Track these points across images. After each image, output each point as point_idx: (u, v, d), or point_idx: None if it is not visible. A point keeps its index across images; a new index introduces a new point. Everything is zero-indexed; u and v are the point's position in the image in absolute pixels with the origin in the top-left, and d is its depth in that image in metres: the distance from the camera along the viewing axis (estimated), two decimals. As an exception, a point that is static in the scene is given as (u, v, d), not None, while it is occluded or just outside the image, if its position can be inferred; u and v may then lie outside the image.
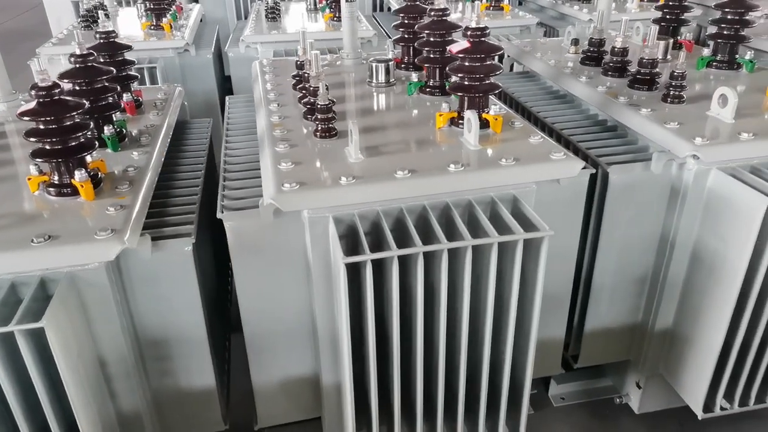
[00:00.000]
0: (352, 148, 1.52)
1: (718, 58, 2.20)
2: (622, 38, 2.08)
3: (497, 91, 1.66)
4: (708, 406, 1.80)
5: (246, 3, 4.88)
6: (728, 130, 1.66)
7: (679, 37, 2.45)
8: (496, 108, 1.63)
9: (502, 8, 3.75)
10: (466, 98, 1.66)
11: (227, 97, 2.44)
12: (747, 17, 2.12)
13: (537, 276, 1.43)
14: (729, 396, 1.81)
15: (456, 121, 1.69)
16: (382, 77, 2.06)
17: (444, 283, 1.39)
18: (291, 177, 1.43)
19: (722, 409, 1.81)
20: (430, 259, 1.39)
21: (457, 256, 1.39)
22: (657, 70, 1.97)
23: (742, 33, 2.15)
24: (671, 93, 1.85)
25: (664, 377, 1.96)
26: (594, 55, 2.26)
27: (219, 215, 1.49)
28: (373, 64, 2.05)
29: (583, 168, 1.59)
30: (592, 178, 1.76)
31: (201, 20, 4.11)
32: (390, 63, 2.04)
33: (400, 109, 1.91)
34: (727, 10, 2.13)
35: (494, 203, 1.50)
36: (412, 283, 1.39)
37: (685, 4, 2.40)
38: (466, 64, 1.61)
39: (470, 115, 1.53)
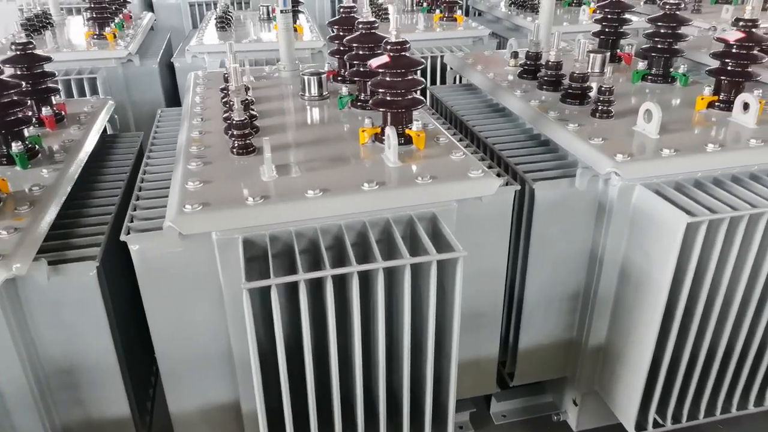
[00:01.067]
0: (265, 166, 1.47)
1: (652, 71, 2.20)
2: (555, 51, 2.07)
3: (420, 107, 1.62)
4: (640, 423, 1.78)
5: (202, 11, 4.81)
6: (652, 146, 1.65)
7: (618, 50, 2.45)
8: (418, 123, 1.59)
9: (455, 19, 3.74)
10: (388, 114, 1.62)
11: (159, 110, 2.37)
12: (679, 31, 2.13)
13: (454, 296, 1.39)
14: (661, 413, 1.79)
15: (379, 136, 1.65)
16: (314, 90, 2.01)
17: (356, 305, 1.34)
18: (195, 197, 1.38)
19: (656, 426, 1.79)
20: (346, 281, 1.34)
21: (371, 278, 1.35)
22: (588, 84, 1.96)
23: (676, 47, 2.15)
24: (599, 108, 1.84)
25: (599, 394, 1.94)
26: (531, 69, 2.25)
27: (123, 237, 1.42)
28: (306, 77, 2.00)
29: (506, 185, 1.57)
30: (521, 195, 1.74)
31: (152, 29, 4.03)
32: (323, 76, 1.99)
33: (329, 124, 1.87)
34: (659, 24, 2.14)
35: (413, 222, 1.46)
36: (325, 306, 1.34)
37: (624, 17, 2.41)
38: (387, 79, 1.57)
39: (389, 132, 1.50)
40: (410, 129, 1.59)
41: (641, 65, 2.21)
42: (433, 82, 3.32)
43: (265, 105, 2.02)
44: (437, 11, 3.86)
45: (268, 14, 4.04)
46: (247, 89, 1.84)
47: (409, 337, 1.42)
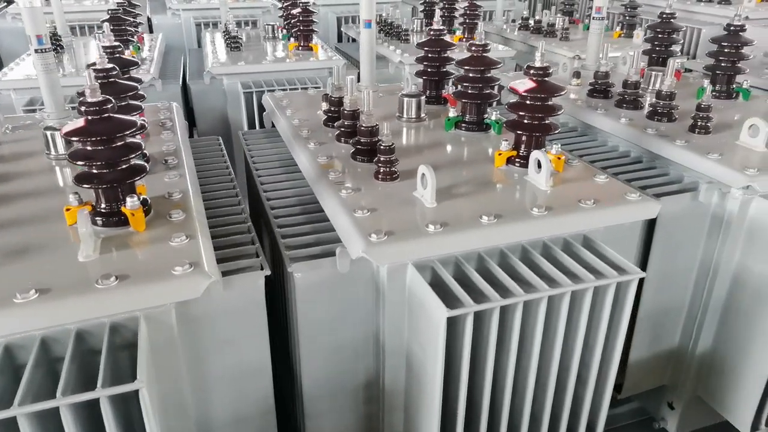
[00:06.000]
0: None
1: (466, 118, 1.93)
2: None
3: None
4: (755, 424, 1.85)
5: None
6: (423, 221, 1.71)
7: (444, 91, 2.04)
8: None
9: (310, 48, 3.49)
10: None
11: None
12: (489, 75, 1.90)
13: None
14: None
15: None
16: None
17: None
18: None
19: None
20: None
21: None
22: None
23: (487, 91, 1.90)
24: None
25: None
26: (333, 116, 1.97)
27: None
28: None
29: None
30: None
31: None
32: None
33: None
34: (467, 68, 1.89)
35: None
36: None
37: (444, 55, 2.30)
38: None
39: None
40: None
41: (452, 112, 1.96)
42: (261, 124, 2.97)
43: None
44: (291, 39, 3.61)
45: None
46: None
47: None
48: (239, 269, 1.35)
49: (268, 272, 1.35)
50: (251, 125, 3.14)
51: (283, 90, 3.08)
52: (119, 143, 1.26)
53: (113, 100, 1.25)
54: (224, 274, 1.31)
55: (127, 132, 1.26)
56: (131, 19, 3.38)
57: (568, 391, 1.48)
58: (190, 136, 3.37)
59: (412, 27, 3.97)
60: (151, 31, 4.59)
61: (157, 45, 3.64)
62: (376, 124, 1.67)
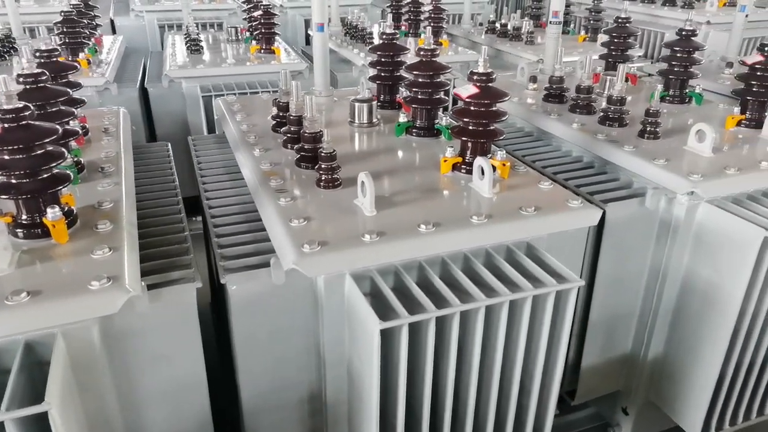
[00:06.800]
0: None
1: (417, 123, 1.90)
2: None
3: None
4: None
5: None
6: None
7: (397, 95, 2.18)
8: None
9: (273, 51, 3.48)
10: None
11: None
12: (438, 80, 1.88)
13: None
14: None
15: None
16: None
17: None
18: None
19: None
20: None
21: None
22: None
23: (437, 97, 1.89)
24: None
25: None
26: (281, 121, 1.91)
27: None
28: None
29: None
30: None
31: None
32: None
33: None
34: (416, 72, 1.87)
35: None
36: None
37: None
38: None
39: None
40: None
41: (403, 117, 1.93)
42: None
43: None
44: (253, 42, 3.56)
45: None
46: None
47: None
48: (170, 281, 1.30)
49: (199, 284, 1.31)
50: (211, 130, 3.08)
51: (244, 94, 3.04)
52: (39, 151, 1.21)
53: (32, 107, 1.20)
54: (153, 286, 1.27)
55: (47, 140, 1.21)
56: (86, 21, 3.29)
57: (511, 401, 1.46)
58: (152, 140, 3.32)
59: (378, 30, 3.94)
60: (114, 32, 4.50)
61: (116, 48, 3.57)
62: (320, 130, 1.64)
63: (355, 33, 3.87)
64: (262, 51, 3.52)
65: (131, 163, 1.73)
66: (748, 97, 2.03)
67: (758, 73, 2.00)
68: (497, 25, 4.14)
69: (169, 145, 2.14)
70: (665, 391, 1.95)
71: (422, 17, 3.98)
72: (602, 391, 2.06)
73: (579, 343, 1.93)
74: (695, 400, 1.82)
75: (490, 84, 1.57)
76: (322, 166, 1.52)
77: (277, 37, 3.63)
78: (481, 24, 4.55)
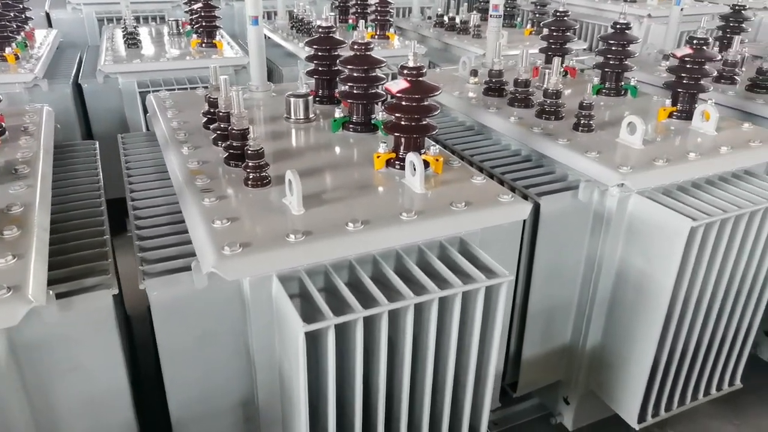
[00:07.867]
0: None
1: (353, 119, 1.89)
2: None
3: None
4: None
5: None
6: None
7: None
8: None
9: (215, 45, 3.41)
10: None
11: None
12: (373, 74, 1.86)
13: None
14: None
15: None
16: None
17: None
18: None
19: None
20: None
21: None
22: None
23: (372, 91, 1.86)
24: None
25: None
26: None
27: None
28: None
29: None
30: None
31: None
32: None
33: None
34: (350, 67, 1.85)
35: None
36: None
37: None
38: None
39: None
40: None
41: (339, 113, 1.89)
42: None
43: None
44: (194, 36, 3.47)
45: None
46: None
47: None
48: (85, 288, 1.24)
49: (116, 290, 1.25)
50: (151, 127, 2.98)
51: (184, 89, 2.95)
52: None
53: None
54: (66, 294, 1.20)
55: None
56: (13, 14, 3.13)
57: (446, 396, 1.45)
58: (89, 138, 3.18)
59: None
60: (50, 26, 4.31)
61: (49, 42, 3.41)
62: (248, 127, 1.59)
63: (301, 26, 3.81)
64: (204, 45, 3.42)
65: (50, 164, 1.64)
66: (679, 89, 2.08)
67: (687, 66, 2.05)
68: (445, 18, 4.14)
69: (97, 144, 2.05)
70: (604, 379, 1.98)
71: (369, 10, 3.94)
72: (543, 381, 2.08)
73: (519, 336, 1.94)
74: (631, 388, 1.86)
75: (420, 78, 1.55)
76: (249, 164, 1.48)
77: (219, 31, 3.54)
78: (430, 17, 4.54)
